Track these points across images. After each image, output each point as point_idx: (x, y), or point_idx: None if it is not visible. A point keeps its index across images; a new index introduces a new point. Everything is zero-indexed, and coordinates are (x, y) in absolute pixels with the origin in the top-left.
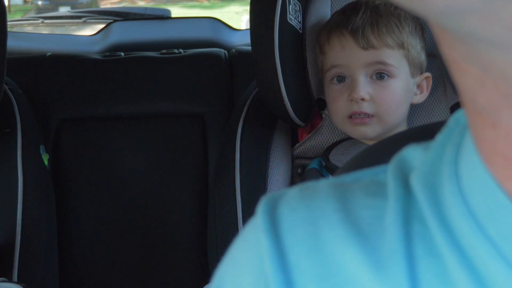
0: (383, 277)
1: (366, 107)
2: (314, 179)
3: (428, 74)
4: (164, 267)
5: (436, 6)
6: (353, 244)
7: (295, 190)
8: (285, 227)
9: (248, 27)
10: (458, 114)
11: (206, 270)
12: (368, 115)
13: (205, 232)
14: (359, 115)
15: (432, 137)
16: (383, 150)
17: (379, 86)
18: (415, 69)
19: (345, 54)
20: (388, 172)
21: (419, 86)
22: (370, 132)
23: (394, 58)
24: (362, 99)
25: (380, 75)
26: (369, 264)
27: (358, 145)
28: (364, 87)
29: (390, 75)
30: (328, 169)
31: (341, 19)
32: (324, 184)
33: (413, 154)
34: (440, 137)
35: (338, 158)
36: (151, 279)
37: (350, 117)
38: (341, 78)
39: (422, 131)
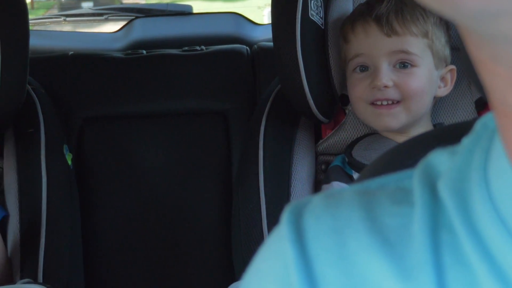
0: (410, 287)
1: (391, 93)
2: (338, 176)
3: (452, 66)
4: (188, 265)
5: (468, 9)
6: (379, 254)
7: (319, 198)
8: (310, 236)
9: (270, 21)
10: (486, 118)
11: (230, 268)
12: (393, 101)
13: (229, 230)
14: (383, 102)
15: (457, 139)
16: (407, 153)
17: (403, 74)
18: (439, 61)
19: (369, 41)
20: (414, 178)
21: (443, 79)
22: (394, 123)
23: (417, 47)
24: (385, 87)
25: (403, 64)
26: (396, 273)
27: (381, 140)
28: (387, 74)
29: (413, 64)
30: (351, 165)
31: (365, 7)
32: (349, 192)
33: (439, 159)
34: (467, 141)
35: (361, 153)
36: (175, 278)
37: (374, 104)
38: (364, 68)
39: (446, 133)
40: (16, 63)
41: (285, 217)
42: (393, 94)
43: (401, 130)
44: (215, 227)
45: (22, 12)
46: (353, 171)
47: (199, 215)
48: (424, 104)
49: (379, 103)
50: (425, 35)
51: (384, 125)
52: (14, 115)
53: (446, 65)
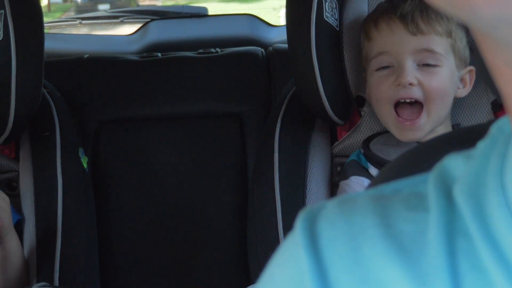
0: None
1: (415, 92)
2: (355, 170)
3: (471, 67)
4: (203, 268)
5: (484, 15)
6: (394, 260)
7: (333, 204)
8: (325, 242)
9: (285, 22)
10: (501, 122)
11: (246, 271)
12: (416, 101)
13: (244, 232)
14: (406, 100)
15: (471, 142)
16: (422, 156)
17: (427, 73)
18: (460, 61)
19: (393, 39)
20: (428, 183)
21: (462, 79)
22: (418, 135)
23: (441, 46)
24: (410, 84)
25: (428, 63)
26: (411, 280)
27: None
28: (412, 72)
29: (437, 64)
30: (367, 158)
31: (389, 5)
32: (363, 197)
33: (455, 163)
34: (482, 145)
35: (378, 147)
36: (190, 280)
37: (397, 115)
38: (386, 67)
39: (460, 136)
40: (31, 67)
41: (299, 222)
42: (417, 92)
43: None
44: (230, 230)
45: (37, 15)
46: (369, 164)
47: (214, 217)
48: (445, 106)
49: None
50: (449, 34)
51: (407, 138)
52: (30, 118)
53: (466, 66)
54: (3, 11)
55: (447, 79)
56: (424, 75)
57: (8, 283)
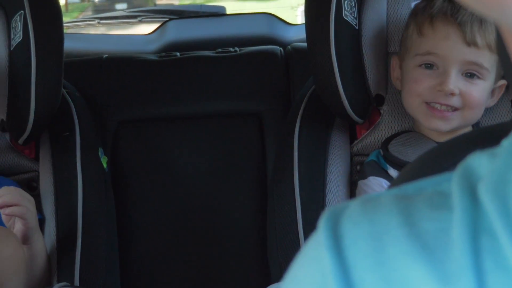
0: None
1: (454, 101)
2: (373, 171)
3: (504, 81)
4: (223, 268)
5: None
6: (418, 260)
7: (357, 203)
8: (348, 243)
9: (303, 20)
10: None
11: (266, 270)
12: (452, 108)
13: (264, 232)
14: (442, 107)
15: (496, 141)
16: (445, 155)
17: (469, 83)
18: (498, 76)
19: (447, 44)
20: (452, 182)
21: (493, 90)
22: (445, 126)
23: (489, 62)
24: (452, 94)
25: (471, 74)
26: (436, 279)
27: (418, 138)
28: (456, 82)
29: (480, 77)
30: (386, 160)
31: (448, 6)
32: (387, 196)
33: (479, 162)
34: (507, 143)
35: (397, 148)
36: (210, 280)
37: (428, 104)
38: (429, 65)
39: (484, 134)
40: (51, 67)
41: (322, 223)
42: (456, 102)
43: (447, 133)
44: (250, 229)
45: (56, 16)
46: (388, 166)
47: (234, 217)
48: (478, 115)
49: (437, 106)
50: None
51: (435, 127)
52: (50, 119)
53: (500, 79)
54: (22, 11)
55: (486, 92)
56: (466, 85)
57: (32, 283)
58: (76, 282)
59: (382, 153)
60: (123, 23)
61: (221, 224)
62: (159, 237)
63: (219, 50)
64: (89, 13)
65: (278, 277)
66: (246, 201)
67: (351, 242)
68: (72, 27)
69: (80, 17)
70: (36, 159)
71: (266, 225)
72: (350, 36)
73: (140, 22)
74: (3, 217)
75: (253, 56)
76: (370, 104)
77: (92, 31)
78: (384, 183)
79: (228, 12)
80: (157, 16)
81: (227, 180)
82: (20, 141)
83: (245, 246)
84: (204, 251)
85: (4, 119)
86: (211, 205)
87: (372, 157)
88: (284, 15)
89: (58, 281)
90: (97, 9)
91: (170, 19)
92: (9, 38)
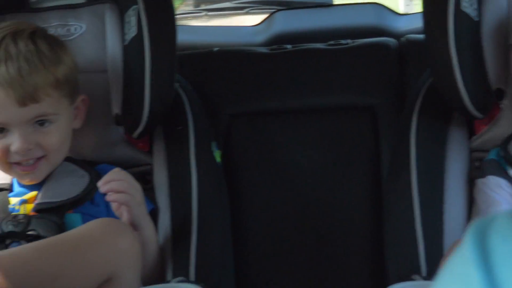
0: None
1: None
2: (493, 170)
3: None
4: (335, 267)
5: None
6: None
7: (505, 217)
8: (498, 259)
9: (406, 9)
10: None
11: (379, 270)
12: None
13: (378, 231)
14: None
15: None
16: None
17: None
18: None
19: None
20: None
21: None
22: None
23: None
24: None
25: None
26: None
27: None
28: None
29: None
30: (506, 161)
31: None
32: None
33: None
34: None
35: None
36: (322, 278)
37: None
38: None
39: None
40: (165, 61)
41: (469, 237)
42: None
43: None
44: (364, 227)
45: (169, 9)
46: (508, 167)
47: (346, 214)
48: None
49: None
50: None
51: None
52: (164, 112)
53: None
54: (136, 6)
55: None
56: None
57: (144, 271)
58: (192, 277)
59: (502, 154)
60: (230, 14)
61: (333, 222)
62: (270, 233)
63: (331, 42)
64: (190, 3)
65: (395, 276)
66: (359, 199)
67: (502, 259)
68: (180, 19)
69: (183, 8)
70: (150, 152)
71: (379, 224)
72: (469, 28)
73: (247, 13)
74: (112, 205)
75: (366, 49)
76: (491, 99)
77: (200, 24)
78: (504, 184)
79: (335, 2)
80: (264, 7)
81: (340, 176)
82: (135, 135)
83: (358, 246)
84: (315, 248)
85: (119, 113)
86: (323, 201)
87: (492, 155)
88: (387, 2)
89: (174, 275)
90: (199, 1)
91: (278, 10)
92: (123, 33)
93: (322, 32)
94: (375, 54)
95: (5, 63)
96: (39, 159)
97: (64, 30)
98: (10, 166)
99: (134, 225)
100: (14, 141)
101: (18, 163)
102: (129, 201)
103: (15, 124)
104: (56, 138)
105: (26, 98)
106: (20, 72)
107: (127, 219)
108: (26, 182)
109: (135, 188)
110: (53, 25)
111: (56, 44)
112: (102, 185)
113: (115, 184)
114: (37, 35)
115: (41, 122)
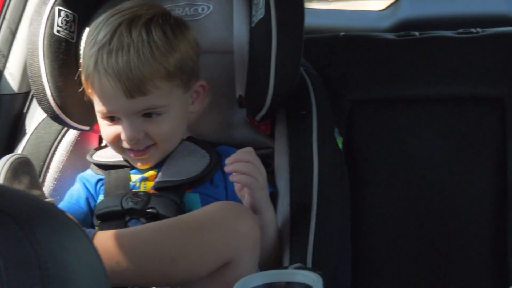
0: None
1: None
2: None
3: None
4: (458, 261)
5: None
6: None
7: None
8: None
9: None
10: None
11: (503, 267)
12: None
13: (503, 227)
14: None
15: None
16: None
17: None
18: None
19: None
20: None
21: None
22: None
23: None
24: None
25: None
26: None
27: None
28: None
29: None
30: None
31: None
32: None
33: None
34: None
35: None
36: (444, 273)
37: None
38: None
39: None
40: (291, 44)
41: None
42: None
43: None
44: (488, 223)
45: None
46: None
47: (471, 209)
48: None
49: None
50: None
51: None
52: (288, 96)
53: None
54: None
55: None
56: None
57: (262, 255)
58: (309, 263)
59: None
60: None
61: (457, 215)
62: (391, 223)
63: (460, 30)
64: None
65: None
66: (483, 194)
67: None
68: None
69: None
70: (272, 136)
71: (503, 221)
72: None
73: None
74: (235, 187)
75: (497, 38)
76: None
77: (320, 5)
78: None
79: None
80: None
81: (465, 170)
82: (258, 117)
83: (482, 242)
84: (437, 242)
85: (243, 95)
86: (447, 195)
87: None
88: None
89: (291, 261)
90: None
91: None
92: (250, 15)
93: (450, 19)
94: (507, 44)
95: (116, 54)
96: (149, 146)
97: (192, 10)
98: (123, 150)
99: (254, 209)
100: (123, 130)
101: (130, 149)
102: (252, 183)
103: (124, 114)
104: (165, 128)
105: (134, 90)
106: (129, 65)
107: (249, 202)
108: (138, 166)
109: (260, 171)
110: (181, 4)
111: (173, 31)
112: (229, 164)
113: (241, 165)
114: (154, 22)
115: (149, 114)
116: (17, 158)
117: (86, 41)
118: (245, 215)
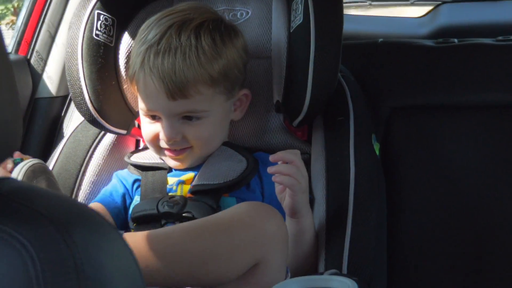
0: None
1: None
2: None
3: None
4: (497, 274)
5: None
6: None
7: None
8: None
9: None
10: None
11: None
12: None
13: None
14: None
15: None
16: None
17: None
18: None
19: None
20: None
21: None
22: None
23: None
24: None
25: None
26: None
27: None
28: None
29: None
30: None
31: None
32: None
33: None
34: None
35: None
36: (479, 282)
37: None
38: None
39: None
40: (330, 50)
41: None
42: None
43: None
44: None
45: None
46: None
47: (509, 219)
48: None
49: None
50: None
51: None
52: (325, 102)
53: None
54: None
55: None
56: None
57: (298, 259)
58: (344, 270)
59: None
60: (395, 5)
61: (496, 227)
62: (427, 233)
63: (500, 38)
64: None
65: None
66: None
67: None
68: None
69: None
70: (308, 141)
71: None
72: None
73: (412, 4)
74: (276, 189)
75: None
76: None
77: (358, 12)
78: None
79: None
80: None
81: (504, 180)
82: (295, 123)
83: None
84: (475, 254)
85: (280, 101)
86: (486, 206)
87: None
88: None
89: (326, 267)
90: None
91: (444, 2)
92: (289, 21)
93: (489, 26)
94: None
95: (163, 55)
96: (184, 148)
97: (230, 15)
98: (160, 149)
99: (294, 212)
100: (162, 130)
101: (167, 148)
102: (294, 185)
103: (164, 115)
104: (203, 133)
105: (175, 93)
106: (174, 67)
107: (289, 204)
108: (172, 166)
109: (302, 174)
110: (220, 9)
111: (222, 38)
112: (273, 161)
113: (284, 167)
114: (204, 27)
115: (189, 117)
116: (32, 166)
117: (137, 39)
118: (272, 215)
